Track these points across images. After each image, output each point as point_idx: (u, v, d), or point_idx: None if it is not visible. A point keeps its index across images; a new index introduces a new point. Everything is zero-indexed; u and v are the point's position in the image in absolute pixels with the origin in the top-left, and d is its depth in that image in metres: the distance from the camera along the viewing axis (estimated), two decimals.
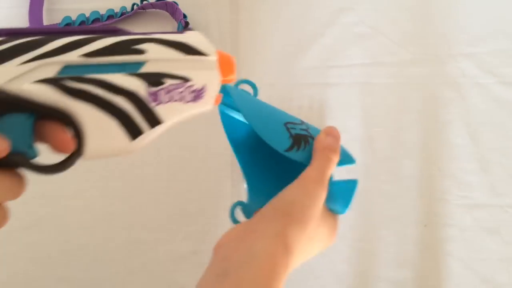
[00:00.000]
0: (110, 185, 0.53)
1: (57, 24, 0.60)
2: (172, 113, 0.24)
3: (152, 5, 0.61)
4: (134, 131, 0.23)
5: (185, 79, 0.24)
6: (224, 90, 0.31)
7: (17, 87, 0.19)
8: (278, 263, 0.29)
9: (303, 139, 0.34)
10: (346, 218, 0.52)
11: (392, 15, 0.64)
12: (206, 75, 0.25)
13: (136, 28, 0.56)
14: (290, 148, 0.33)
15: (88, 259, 0.49)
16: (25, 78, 0.19)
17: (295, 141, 0.33)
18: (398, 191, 0.54)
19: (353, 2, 0.65)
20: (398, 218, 0.52)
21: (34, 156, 0.21)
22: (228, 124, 0.37)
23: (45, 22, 0.60)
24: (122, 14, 0.60)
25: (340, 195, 0.34)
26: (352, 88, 0.59)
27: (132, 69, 0.22)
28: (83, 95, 0.21)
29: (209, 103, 0.26)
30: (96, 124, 0.21)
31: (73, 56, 0.20)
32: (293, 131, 0.34)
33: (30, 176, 0.23)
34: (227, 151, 0.55)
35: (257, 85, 0.60)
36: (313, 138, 0.35)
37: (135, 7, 0.59)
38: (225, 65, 0.27)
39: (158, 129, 0.24)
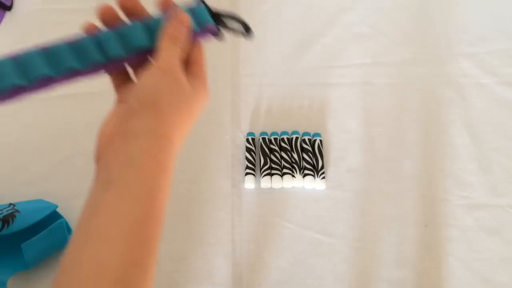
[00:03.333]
0: None
1: None
2: None
3: None
4: None
5: None
6: None
7: None
8: (158, 159, 0.29)
9: None
10: (346, 218, 0.52)
11: (392, 15, 0.64)
12: None
13: None
14: None
15: None
16: None
17: None
18: (398, 191, 0.54)
19: (353, 2, 0.65)
20: (398, 218, 0.52)
21: None
22: None
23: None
24: None
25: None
26: (352, 88, 0.59)
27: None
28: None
29: None
30: None
31: None
32: None
33: None
34: (227, 151, 0.55)
35: (257, 85, 0.60)
36: None
37: None
38: None
39: None
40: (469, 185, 0.54)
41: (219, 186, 0.53)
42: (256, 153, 0.55)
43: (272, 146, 0.54)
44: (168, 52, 0.32)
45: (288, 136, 0.55)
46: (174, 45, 0.33)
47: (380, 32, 0.63)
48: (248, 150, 0.54)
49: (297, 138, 0.55)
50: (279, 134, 0.56)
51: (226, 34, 0.38)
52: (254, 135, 0.55)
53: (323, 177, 0.53)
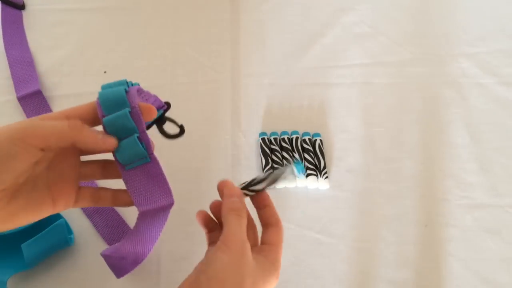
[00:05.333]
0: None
1: None
2: None
3: None
4: None
5: None
6: None
7: None
8: None
9: None
10: (346, 218, 0.52)
11: (392, 15, 0.64)
12: None
13: None
14: None
15: (89, 258, 0.49)
16: None
17: None
18: (398, 191, 0.54)
19: (353, 2, 0.65)
20: (398, 218, 0.52)
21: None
22: None
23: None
24: None
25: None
26: (352, 88, 0.59)
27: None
28: None
29: None
30: None
31: None
32: None
33: None
34: (227, 151, 0.55)
35: (257, 85, 0.60)
36: None
37: None
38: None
39: None
40: (469, 185, 0.54)
41: None
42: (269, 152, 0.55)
43: (272, 146, 0.54)
44: (234, 227, 0.34)
45: (289, 136, 0.55)
46: (239, 216, 0.35)
47: (380, 32, 0.63)
48: (272, 150, 0.54)
49: (297, 138, 0.55)
50: (279, 134, 0.56)
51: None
52: (272, 135, 0.55)
53: (326, 177, 0.53)
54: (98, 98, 0.33)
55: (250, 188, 0.38)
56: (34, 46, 0.60)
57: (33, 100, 0.55)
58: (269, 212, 0.39)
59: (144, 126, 0.33)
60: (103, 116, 0.32)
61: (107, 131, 0.33)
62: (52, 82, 0.58)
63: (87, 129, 0.31)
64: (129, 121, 0.32)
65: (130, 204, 0.36)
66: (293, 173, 0.36)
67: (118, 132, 0.33)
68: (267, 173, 0.37)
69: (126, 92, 0.33)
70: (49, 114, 0.32)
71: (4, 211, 0.29)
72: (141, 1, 0.63)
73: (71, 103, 0.56)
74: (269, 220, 0.39)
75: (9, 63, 0.57)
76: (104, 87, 0.34)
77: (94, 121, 0.33)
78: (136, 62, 0.60)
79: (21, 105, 0.55)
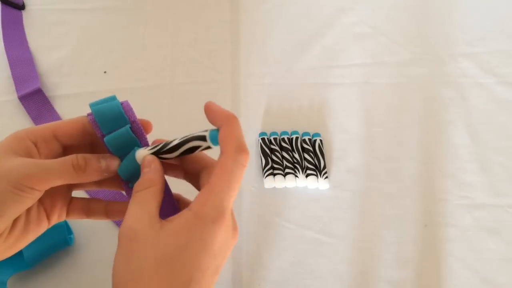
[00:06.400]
0: None
1: None
2: None
3: None
4: None
5: None
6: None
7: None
8: None
9: None
10: (346, 218, 0.52)
11: (392, 15, 0.64)
12: None
13: None
14: None
15: (89, 258, 0.49)
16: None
17: None
18: (398, 191, 0.54)
19: (353, 2, 0.65)
20: (398, 218, 0.52)
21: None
22: None
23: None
24: None
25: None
26: (352, 88, 0.59)
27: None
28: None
29: None
30: None
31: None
32: None
33: None
34: None
35: (257, 85, 0.60)
36: None
37: None
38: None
39: None
40: (469, 185, 0.54)
41: None
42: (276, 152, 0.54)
43: (272, 146, 0.54)
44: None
45: (288, 136, 0.55)
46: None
47: (380, 32, 0.63)
48: (272, 150, 0.54)
49: (297, 138, 0.55)
50: (279, 134, 0.56)
51: None
52: (272, 135, 0.55)
53: (326, 177, 0.53)
54: (91, 115, 0.31)
55: (160, 155, 0.31)
56: (34, 46, 0.60)
57: (35, 99, 0.55)
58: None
59: (147, 140, 0.32)
60: (103, 135, 0.31)
61: (110, 150, 0.31)
62: (52, 82, 0.58)
63: (90, 166, 0.30)
64: (131, 137, 0.31)
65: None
66: (206, 140, 0.30)
67: (121, 149, 0.31)
68: (181, 139, 0.31)
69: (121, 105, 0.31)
70: (38, 129, 0.30)
71: (6, 243, 0.28)
72: (141, 1, 0.63)
73: (71, 103, 0.57)
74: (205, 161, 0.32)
75: (9, 62, 0.57)
76: (93, 105, 0.31)
77: (81, 139, 0.32)
78: (136, 62, 0.60)
79: (23, 104, 0.55)
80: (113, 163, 0.31)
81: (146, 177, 0.29)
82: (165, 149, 0.31)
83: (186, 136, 0.31)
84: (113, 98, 0.32)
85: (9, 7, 0.61)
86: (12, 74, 0.57)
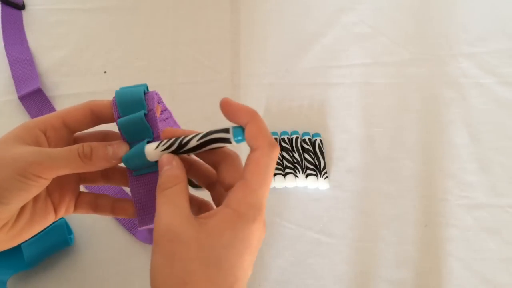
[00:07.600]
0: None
1: None
2: None
3: None
4: None
5: None
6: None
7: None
8: None
9: None
10: (346, 218, 0.52)
11: (392, 15, 0.64)
12: None
13: None
14: None
15: (89, 258, 0.49)
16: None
17: None
18: (398, 191, 0.54)
19: (353, 2, 0.65)
20: (398, 218, 0.52)
21: None
22: None
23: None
24: None
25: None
26: (352, 88, 0.59)
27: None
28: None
29: None
30: None
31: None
32: None
33: None
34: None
35: (257, 85, 0.60)
36: None
37: None
38: None
39: None
40: (469, 185, 0.54)
41: None
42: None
43: None
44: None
45: (288, 136, 0.55)
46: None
47: (380, 32, 0.63)
48: (286, 149, 0.54)
49: (297, 138, 0.55)
50: (279, 134, 0.56)
51: None
52: (272, 135, 0.55)
53: (326, 177, 0.53)
54: (114, 98, 0.31)
55: (180, 152, 0.30)
56: (34, 46, 0.60)
57: (35, 98, 0.55)
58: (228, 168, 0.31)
59: (159, 132, 0.31)
60: (119, 117, 0.31)
61: (122, 133, 0.31)
62: (52, 82, 0.58)
63: (97, 154, 0.29)
64: (143, 124, 0.30)
65: (131, 215, 0.33)
66: (229, 137, 0.29)
67: (132, 135, 0.31)
68: (199, 139, 0.30)
69: (145, 93, 0.31)
70: (46, 118, 0.31)
71: (11, 232, 0.28)
72: (141, 1, 0.63)
73: (71, 103, 0.56)
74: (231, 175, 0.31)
75: (9, 62, 0.57)
76: (121, 88, 0.32)
77: (90, 124, 0.32)
78: (136, 62, 0.60)
79: (23, 104, 0.55)
80: (121, 150, 0.30)
81: (172, 174, 0.28)
82: (182, 150, 0.30)
83: (205, 136, 0.30)
84: (143, 85, 0.32)
85: (9, 7, 0.61)
86: (12, 74, 0.57)
